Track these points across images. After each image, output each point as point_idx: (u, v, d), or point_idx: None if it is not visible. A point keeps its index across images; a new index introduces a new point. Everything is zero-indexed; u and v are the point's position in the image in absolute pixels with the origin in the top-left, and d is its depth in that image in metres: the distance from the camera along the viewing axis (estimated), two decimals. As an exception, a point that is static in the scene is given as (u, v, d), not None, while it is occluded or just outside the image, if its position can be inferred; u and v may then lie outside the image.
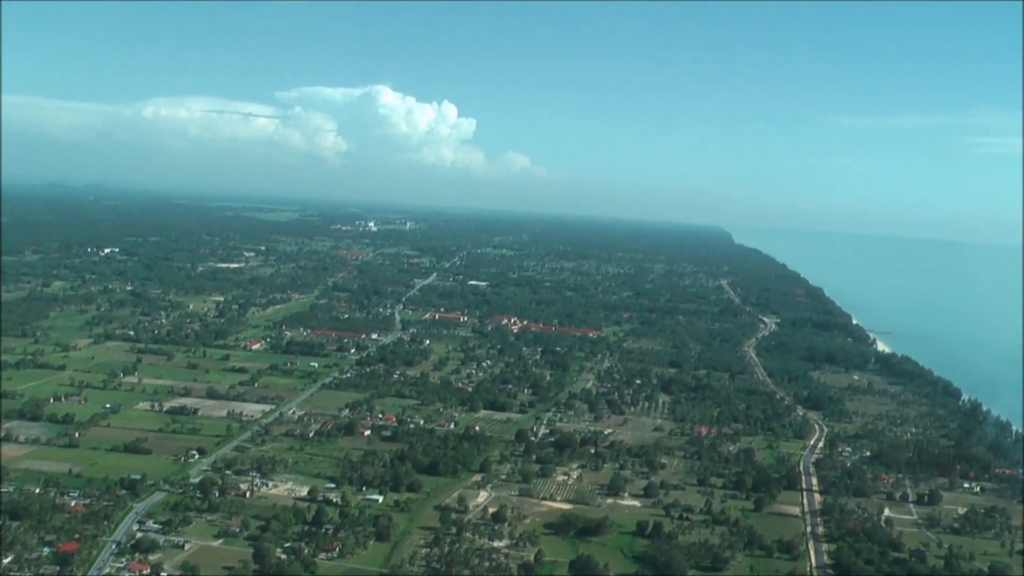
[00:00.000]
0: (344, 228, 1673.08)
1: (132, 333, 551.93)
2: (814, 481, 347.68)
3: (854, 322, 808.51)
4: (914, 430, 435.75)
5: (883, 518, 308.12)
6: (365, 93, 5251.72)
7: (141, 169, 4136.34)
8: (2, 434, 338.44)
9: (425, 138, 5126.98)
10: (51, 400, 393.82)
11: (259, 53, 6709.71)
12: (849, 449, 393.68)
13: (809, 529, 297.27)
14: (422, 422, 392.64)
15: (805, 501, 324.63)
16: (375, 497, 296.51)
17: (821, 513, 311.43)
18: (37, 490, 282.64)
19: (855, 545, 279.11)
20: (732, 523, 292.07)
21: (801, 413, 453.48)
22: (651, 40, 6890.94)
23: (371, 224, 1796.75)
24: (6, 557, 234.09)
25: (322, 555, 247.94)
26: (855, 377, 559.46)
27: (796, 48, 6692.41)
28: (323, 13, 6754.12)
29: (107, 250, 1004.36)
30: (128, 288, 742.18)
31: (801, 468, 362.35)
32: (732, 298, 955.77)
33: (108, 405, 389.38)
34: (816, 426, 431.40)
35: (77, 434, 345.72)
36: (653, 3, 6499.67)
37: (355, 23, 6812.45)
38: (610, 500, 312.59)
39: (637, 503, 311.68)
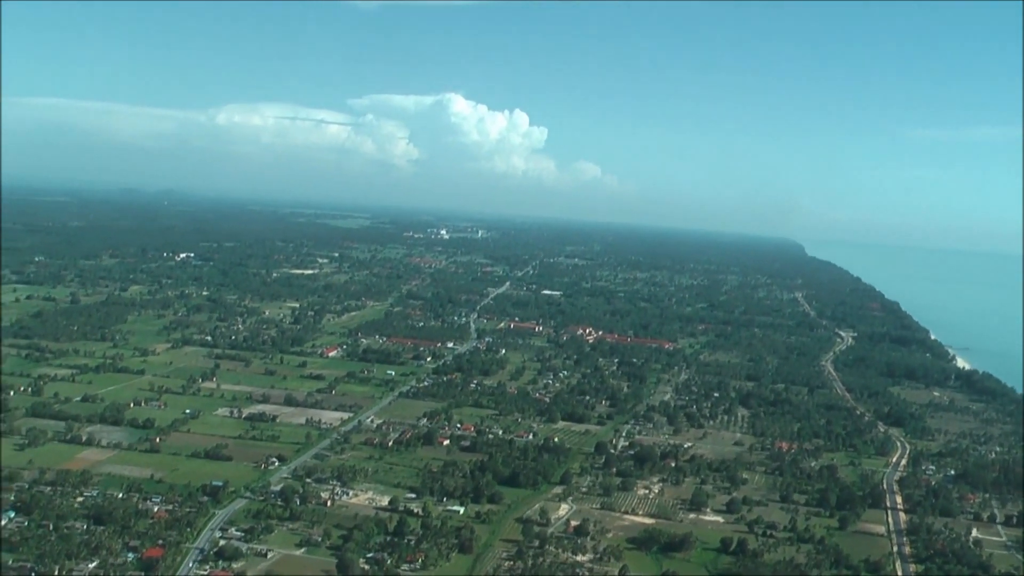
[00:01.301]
0: (416, 236, 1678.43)
1: (209, 339, 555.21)
2: (898, 500, 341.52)
3: (932, 337, 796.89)
4: (999, 449, 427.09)
5: (971, 539, 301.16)
6: (437, 101, 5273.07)
7: (214, 175, 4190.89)
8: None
9: (496, 147, 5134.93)
10: (131, 405, 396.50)
11: (332, 60, 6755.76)
12: (933, 467, 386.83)
13: (896, 549, 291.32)
14: (501, 432, 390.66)
15: (890, 520, 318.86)
16: (456, 508, 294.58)
17: (907, 533, 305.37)
18: (120, 495, 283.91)
19: (944, 567, 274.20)
20: (817, 541, 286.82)
21: (882, 430, 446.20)
22: (724, 50, 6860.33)
23: (443, 232, 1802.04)
24: (91, 562, 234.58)
25: (405, 566, 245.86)
26: (935, 394, 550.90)
27: (871, 59, 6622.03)
28: (396, 21, 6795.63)
29: (183, 255, 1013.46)
30: (204, 293, 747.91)
31: (885, 486, 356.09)
32: (807, 311, 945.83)
33: (187, 410, 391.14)
34: (898, 443, 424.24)
35: (158, 439, 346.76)
36: (726, 12, 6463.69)
37: (428, 31, 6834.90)
38: (692, 515, 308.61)
39: (719, 519, 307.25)
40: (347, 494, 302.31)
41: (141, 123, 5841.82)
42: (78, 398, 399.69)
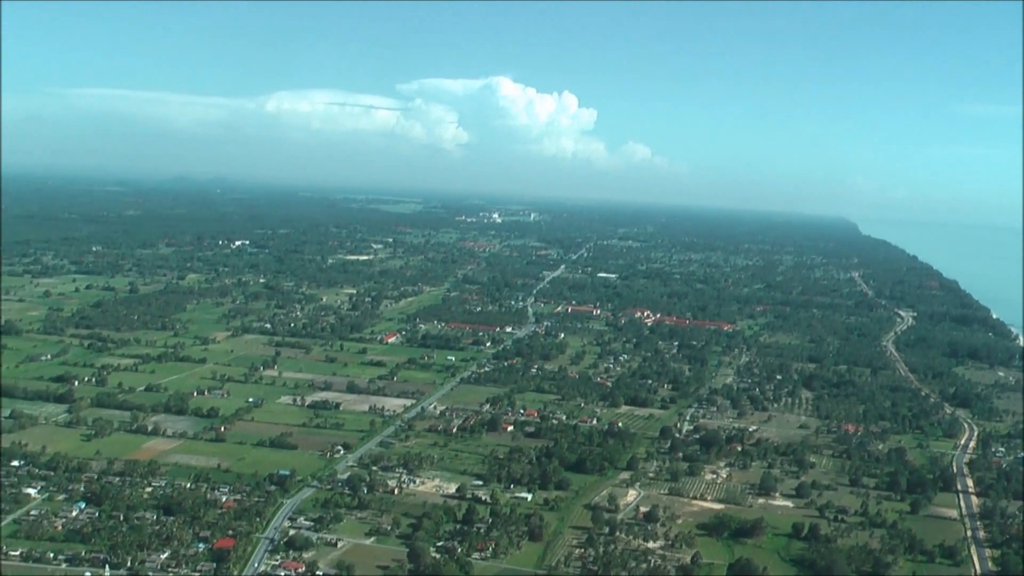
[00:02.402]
0: (469, 220, 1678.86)
1: (268, 326, 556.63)
2: (969, 483, 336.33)
3: (994, 316, 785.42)
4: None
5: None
6: (485, 84, 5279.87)
7: (264, 162, 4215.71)
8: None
9: (545, 129, 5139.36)
10: (195, 394, 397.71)
11: (380, 46, 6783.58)
12: (1003, 449, 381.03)
13: (970, 533, 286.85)
14: (564, 418, 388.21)
15: (962, 504, 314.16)
16: (524, 495, 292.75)
17: (980, 517, 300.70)
18: (188, 485, 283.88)
19: (1021, 551, 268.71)
20: (890, 526, 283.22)
21: (948, 411, 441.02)
22: (774, 27, 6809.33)
23: (495, 216, 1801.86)
24: (162, 553, 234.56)
25: (475, 555, 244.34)
26: (1000, 374, 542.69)
27: (925, 34, 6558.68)
28: (444, 4, 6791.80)
29: (238, 243, 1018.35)
30: (261, 281, 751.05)
31: (955, 469, 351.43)
32: (865, 291, 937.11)
33: (251, 399, 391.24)
34: (965, 425, 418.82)
35: (223, 428, 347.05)
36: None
37: (475, 14, 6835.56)
38: (761, 500, 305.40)
39: (789, 503, 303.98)
40: (414, 482, 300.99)
41: (192, 111, 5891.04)
42: (142, 388, 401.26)
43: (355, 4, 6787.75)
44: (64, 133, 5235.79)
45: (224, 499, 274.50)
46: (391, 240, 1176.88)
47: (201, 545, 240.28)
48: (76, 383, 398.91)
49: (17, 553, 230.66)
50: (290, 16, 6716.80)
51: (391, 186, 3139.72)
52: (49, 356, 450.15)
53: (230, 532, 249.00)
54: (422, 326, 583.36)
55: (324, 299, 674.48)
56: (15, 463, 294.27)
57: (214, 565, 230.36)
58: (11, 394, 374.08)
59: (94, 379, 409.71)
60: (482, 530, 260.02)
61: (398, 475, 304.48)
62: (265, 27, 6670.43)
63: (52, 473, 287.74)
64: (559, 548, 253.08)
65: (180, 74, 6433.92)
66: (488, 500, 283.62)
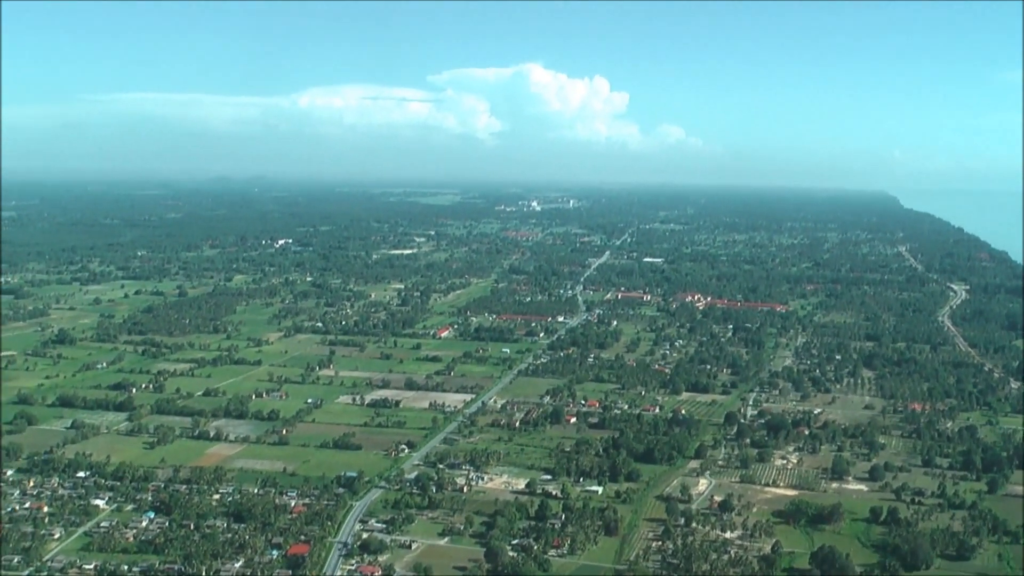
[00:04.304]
0: (508, 209, 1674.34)
1: (320, 325, 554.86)
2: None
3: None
4: None
5: None
6: (516, 72, 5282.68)
7: (300, 159, 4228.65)
8: None
9: (578, 114, 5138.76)
10: (253, 396, 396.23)
11: (410, 38, 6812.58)
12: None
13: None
14: (626, 407, 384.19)
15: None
16: (594, 488, 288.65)
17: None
18: (256, 490, 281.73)
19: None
20: (969, 507, 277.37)
21: (1015, 386, 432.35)
22: (803, 3, 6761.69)
23: (535, 203, 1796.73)
24: (236, 561, 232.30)
25: (552, 551, 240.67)
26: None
27: (961, 2, 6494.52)
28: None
29: (281, 241, 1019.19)
30: (308, 279, 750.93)
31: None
32: (914, 265, 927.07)
33: (310, 400, 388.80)
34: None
35: (285, 431, 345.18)
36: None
37: (504, 3, 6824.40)
38: (835, 484, 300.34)
39: (863, 487, 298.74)
40: (482, 479, 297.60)
41: (227, 112, 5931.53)
42: (200, 392, 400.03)
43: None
44: (103, 139, 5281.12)
45: (293, 503, 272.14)
46: (433, 233, 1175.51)
47: (275, 552, 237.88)
48: (134, 390, 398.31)
49: (92, 567, 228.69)
50: (319, 13, 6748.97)
51: (427, 178, 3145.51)
52: (105, 364, 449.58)
53: (303, 537, 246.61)
54: (473, 319, 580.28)
55: (373, 295, 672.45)
56: (81, 474, 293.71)
57: (290, 572, 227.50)
58: (71, 404, 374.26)
59: (152, 385, 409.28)
60: (556, 526, 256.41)
61: (466, 472, 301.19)
62: (296, 25, 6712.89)
63: (119, 483, 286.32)
64: (636, 542, 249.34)
65: (213, 75, 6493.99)
66: (559, 495, 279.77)
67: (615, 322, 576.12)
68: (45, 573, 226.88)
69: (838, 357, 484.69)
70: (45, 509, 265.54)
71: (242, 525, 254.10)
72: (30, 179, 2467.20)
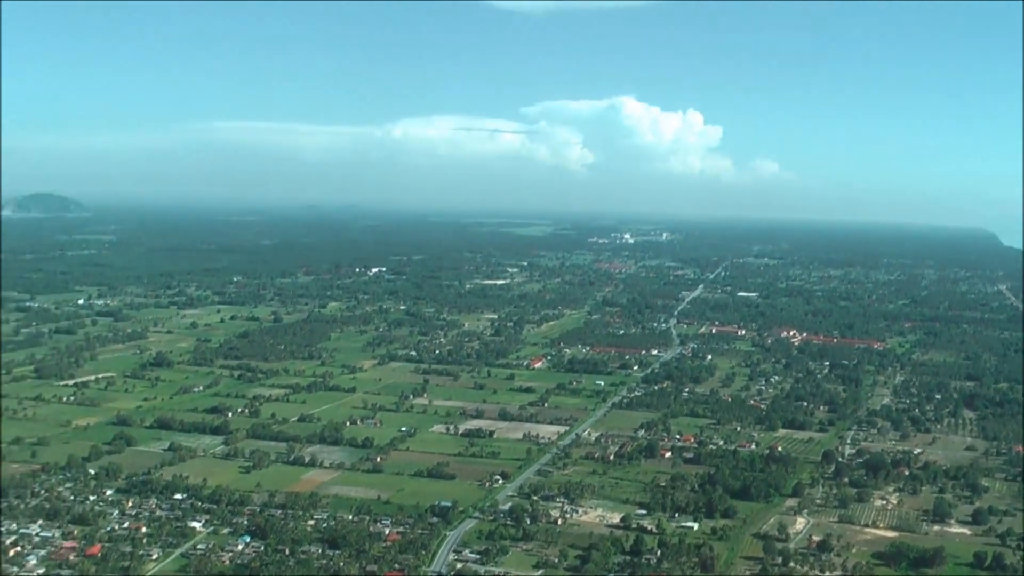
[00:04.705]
0: (601, 241, 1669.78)
1: (414, 353, 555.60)
2: None
3: None
4: None
5: None
6: (609, 105, 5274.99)
7: (392, 188, 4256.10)
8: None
9: (671, 147, 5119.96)
10: (347, 423, 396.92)
11: (503, 69, 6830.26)
12: None
13: None
14: (722, 443, 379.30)
15: None
16: (690, 524, 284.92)
17: None
18: (350, 517, 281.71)
19: None
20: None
21: None
22: (901, 38, 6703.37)
23: (627, 236, 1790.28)
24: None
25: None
26: None
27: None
28: (564, 26, 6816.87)
29: (375, 270, 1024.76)
30: (402, 308, 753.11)
31: None
32: (1015, 304, 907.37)
33: (403, 428, 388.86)
34: None
35: (379, 458, 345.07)
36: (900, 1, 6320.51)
37: (596, 34, 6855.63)
38: (936, 527, 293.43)
39: (966, 530, 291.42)
40: (576, 511, 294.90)
41: (320, 140, 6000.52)
42: (295, 418, 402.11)
43: (477, 28, 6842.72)
44: (199, 166, 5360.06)
45: (387, 531, 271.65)
46: (526, 263, 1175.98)
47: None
48: (230, 414, 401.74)
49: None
50: (413, 44, 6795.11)
51: (518, 209, 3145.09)
52: (201, 387, 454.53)
53: (396, 566, 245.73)
54: (567, 350, 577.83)
55: (466, 325, 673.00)
56: (178, 496, 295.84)
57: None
58: (168, 426, 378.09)
59: (247, 410, 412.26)
60: (652, 561, 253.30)
61: (560, 505, 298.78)
62: (390, 56, 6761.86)
63: (215, 506, 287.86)
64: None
65: (308, 105, 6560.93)
66: (654, 530, 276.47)
67: (709, 356, 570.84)
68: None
69: (938, 396, 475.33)
70: (143, 529, 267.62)
71: (336, 552, 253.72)
72: (129, 204, 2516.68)
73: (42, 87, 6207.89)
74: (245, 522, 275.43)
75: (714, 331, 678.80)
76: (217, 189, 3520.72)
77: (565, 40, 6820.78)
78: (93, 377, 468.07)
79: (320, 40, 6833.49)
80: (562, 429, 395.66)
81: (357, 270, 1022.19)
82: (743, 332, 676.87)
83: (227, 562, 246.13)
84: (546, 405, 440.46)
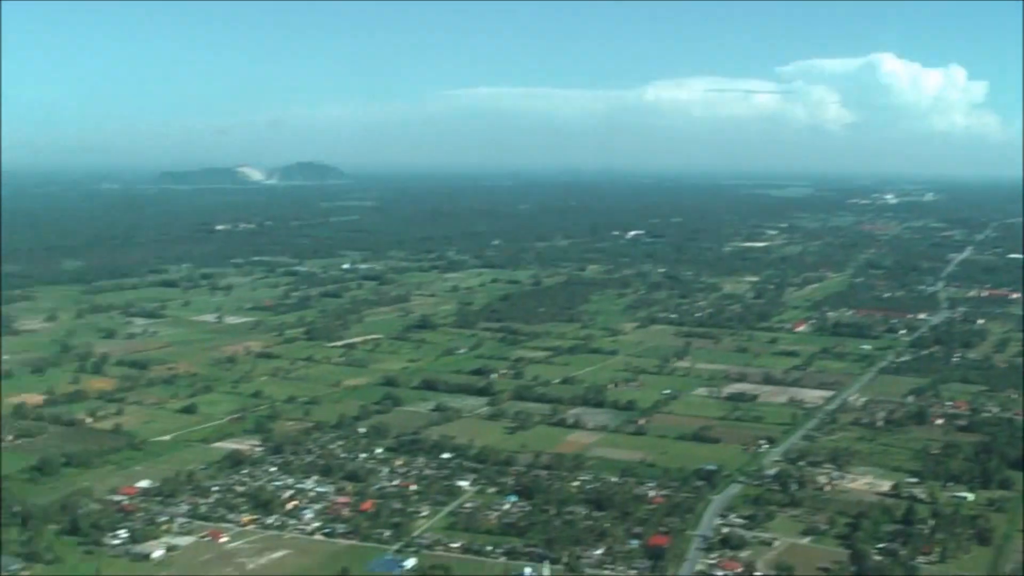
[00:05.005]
0: (862, 202, 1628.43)
1: (674, 316, 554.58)
2: None
3: None
4: None
5: None
6: (866, 62, 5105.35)
7: (646, 151, 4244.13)
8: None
9: (932, 105, 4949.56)
10: (609, 386, 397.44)
11: (758, 30, 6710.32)
12: None
13: None
14: (997, 410, 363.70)
15: None
16: (964, 494, 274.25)
17: None
18: (614, 479, 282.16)
19: None
20: None
21: None
22: None
23: (889, 196, 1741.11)
24: (597, 548, 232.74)
25: (920, 558, 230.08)
26: None
27: None
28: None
29: (632, 233, 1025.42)
30: (660, 271, 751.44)
31: None
32: None
33: (666, 391, 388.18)
34: None
35: (642, 421, 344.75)
36: None
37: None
38: None
39: None
40: (843, 478, 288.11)
41: (574, 105, 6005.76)
42: (557, 380, 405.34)
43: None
44: (454, 132, 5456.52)
45: (652, 494, 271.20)
46: (785, 225, 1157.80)
47: (635, 542, 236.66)
48: (494, 376, 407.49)
49: (457, 545, 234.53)
50: (664, 6, 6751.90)
51: (775, 170, 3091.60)
52: (465, 349, 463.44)
53: (662, 529, 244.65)
54: (830, 314, 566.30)
55: (726, 287, 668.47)
56: (446, 455, 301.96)
57: (650, 563, 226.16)
58: (434, 387, 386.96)
59: (510, 372, 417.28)
60: (925, 532, 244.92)
61: (827, 471, 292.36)
62: (641, 18, 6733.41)
63: (481, 466, 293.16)
64: (1011, 554, 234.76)
65: (562, 69, 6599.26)
66: (927, 499, 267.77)
67: (981, 320, 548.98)
68: (413, 549, 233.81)
69: None
70: (413, 487, 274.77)
71: (602, 513, 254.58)
72: (386, 172, 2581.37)
73: (302, 61, 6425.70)
74: (511, 482, 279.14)
75: (985, 295, 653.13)
76: (472, 156, 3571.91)
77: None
78: (360, 339, 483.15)
79: (569, 7, 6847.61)
80: (827, 394, 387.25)
81: (615, 233, 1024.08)
82: (1016, 296, 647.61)
83: (494, 521, 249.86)
84: (810, 369, 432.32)
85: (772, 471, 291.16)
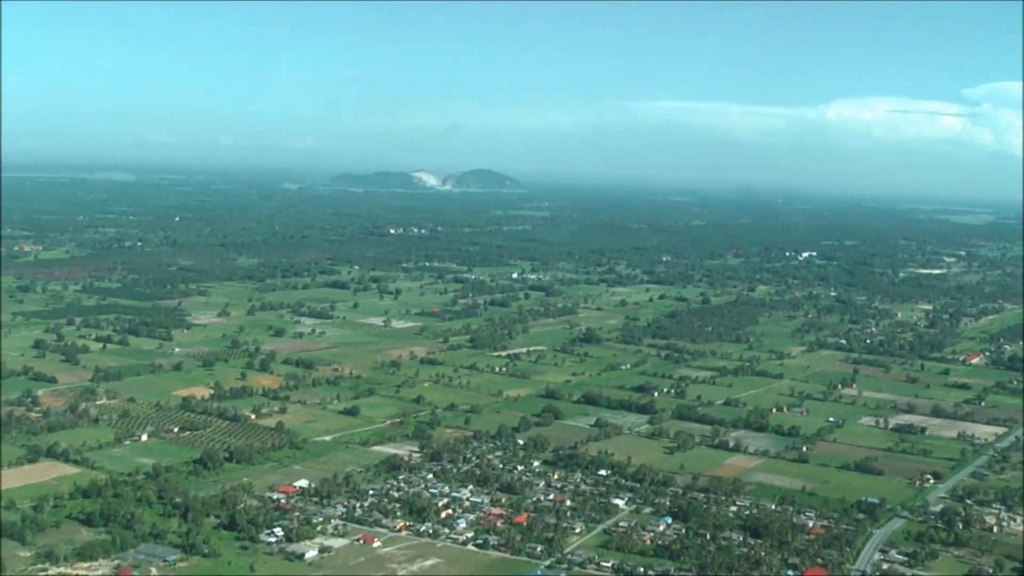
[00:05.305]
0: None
1: (843, 342, 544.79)
2: None
3: None
4: None
5: None
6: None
7: (825, 171, 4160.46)
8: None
9: None
10: (773, 410, 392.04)
11: (944, 49, 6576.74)
12: None
13: None
14: None
15: None
16: None
17: None
18: (773, 506, 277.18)
19: None
20: None
21: None
22: None
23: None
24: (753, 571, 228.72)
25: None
26: None
27: None
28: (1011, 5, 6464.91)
29: (805, 254, 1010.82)
30: (832, 294, 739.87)
31: None
32: None
33: (831, 418, 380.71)
34: None
35: (804, 448, 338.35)
36: None
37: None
38: None
39: None
40: (1013, 520, 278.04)
41: (752, 121, 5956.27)
42: (720, 401, 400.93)
43: (914, 5, 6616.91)
44: (631, 145, 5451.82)
45: (811, 524, 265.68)
46: (963, 253, 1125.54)
47: (791, 572, 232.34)
48: (656, 394, 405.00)
49: (609, 564, 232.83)
50: (849, 22, 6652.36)
51: (956, 195, 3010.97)
52: (628, 365, 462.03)
53: (819, 561, 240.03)
54: (1007, 347, 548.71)
55: (899, 315, 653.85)
56: (603, 472, 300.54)
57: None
58: (595, 402, 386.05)
59: (673, 390, 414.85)
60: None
61: (995, 511, 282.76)
62: (824, 36, 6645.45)
63: (638, 485, 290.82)
64: None
65: (740, 84, 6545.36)
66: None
67: None
68: (565, 565, 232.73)
69: None
70: (568, 503, 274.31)
71: (758, 540, 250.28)
72: (559, 182, 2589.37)
73: (482, 68, 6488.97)
74: (667, 503, 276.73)
75: None
76: (647, 170, 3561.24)
77: (1011, 18, 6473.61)
78: (524, 349, 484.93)
79: (753, 20, 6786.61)
80: (1000, 430, 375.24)
81: (787, 254, 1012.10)
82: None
83: (648, 541, 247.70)
84: (983, 404, 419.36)
85: (937, 508, 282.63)
